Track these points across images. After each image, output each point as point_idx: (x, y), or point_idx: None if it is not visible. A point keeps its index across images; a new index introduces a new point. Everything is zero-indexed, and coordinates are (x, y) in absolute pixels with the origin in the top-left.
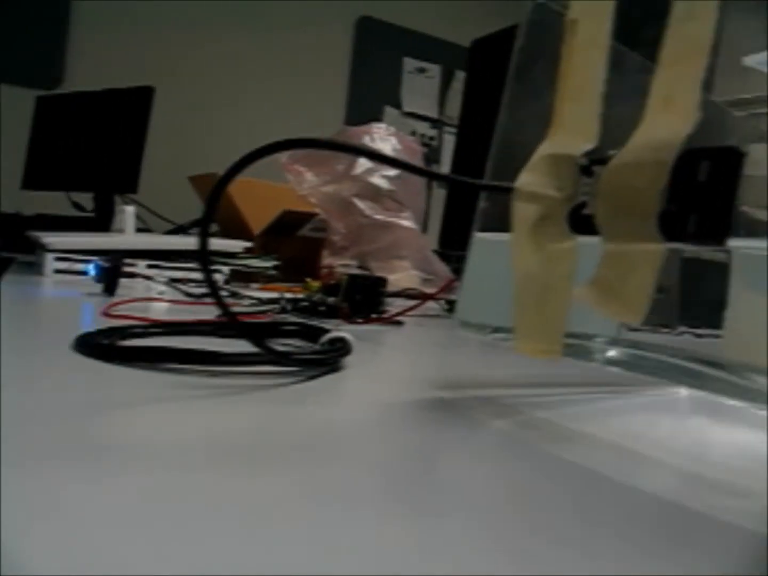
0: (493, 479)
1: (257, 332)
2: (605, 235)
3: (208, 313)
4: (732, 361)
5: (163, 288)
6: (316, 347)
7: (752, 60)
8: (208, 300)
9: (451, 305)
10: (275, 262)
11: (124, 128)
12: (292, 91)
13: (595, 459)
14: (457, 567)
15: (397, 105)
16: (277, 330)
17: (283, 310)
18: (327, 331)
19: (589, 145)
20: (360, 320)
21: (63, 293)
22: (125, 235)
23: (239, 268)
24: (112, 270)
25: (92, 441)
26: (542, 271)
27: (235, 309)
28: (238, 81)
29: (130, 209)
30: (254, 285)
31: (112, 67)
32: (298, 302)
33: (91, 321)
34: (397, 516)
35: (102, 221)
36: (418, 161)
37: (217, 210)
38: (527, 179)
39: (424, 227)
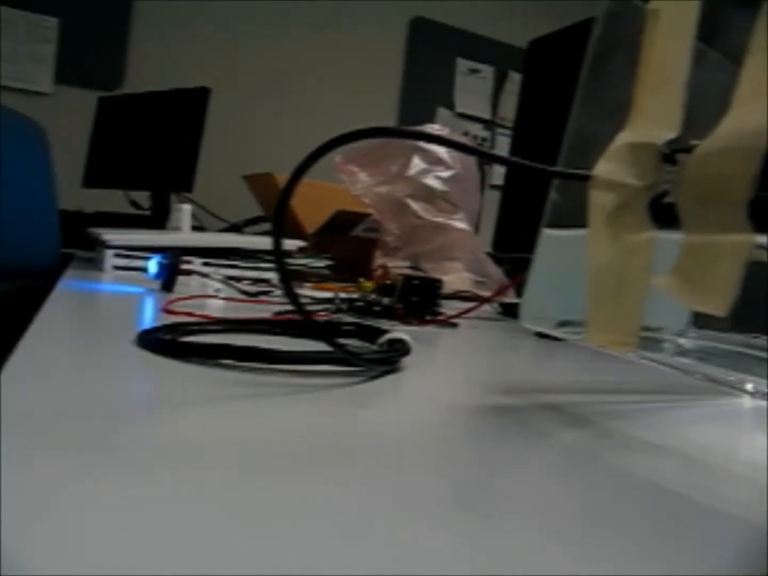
0: (567, 494)
1: (325, 331)
2: (688, 224)
3: (264, 311)
4: None
5: (219, 285)
6: (375, 347)
7: None
8: (264, 298)
9: (504, 308)
10: (328, 262)
11: (180, 128)
12: (346, 92)
13: (674, 474)
14: None
15: (450, 106)
16: (338, 329)
17: (339, 310)
18: (384, 331)
19: (671, 134)
20: (415, 321)
21: (123, 289)
22: (182, 233)
23: (293, 267)
24: (171, 267)
25: (156, 439)
26: (618, 262)
27: (291, 308)
28: (292, 82)
29: (186, 207)
30: (307, 284)
31: (170, 69)
32: (353, 302)
33: (152, 317)
34: (461, 526)
35: (158, 219)
36: (472, 162)
37: (270, 209)
38: (606, 167)
39: (477, 229)
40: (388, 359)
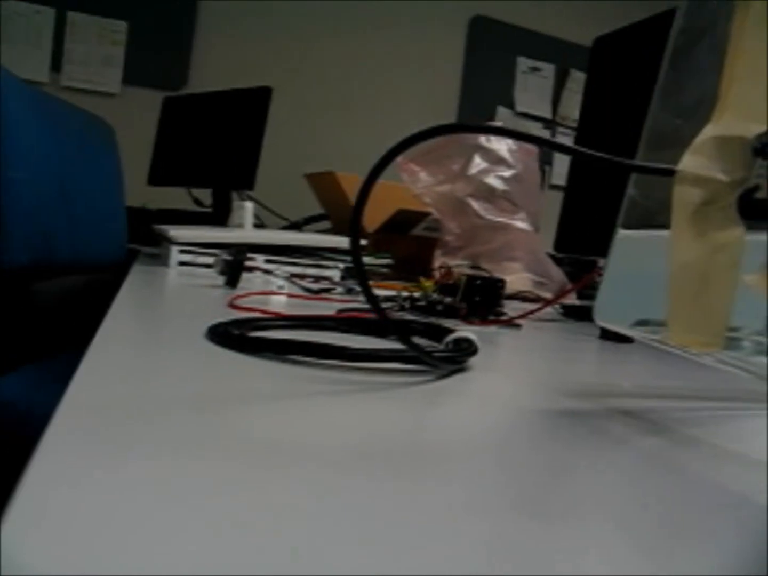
0: (648, 503)
1: (399, 329)
2: None
3: (325, 308)
4: None
5: (282, 282)
6: (442, 347)
7: None
8: (325, 296)
9: (566, 309)
10: (389, 261)
11: (242, 127)
12: (405, 91)
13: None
14: None
15: (510, 105)
16: (408, 328)
17: (401, 308)
18: (450, 330)
19: (762, 127)
20: (477, 321)
21: (188, 284)
22: (245, 230)
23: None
24: (236, 263)
25: (231, 433)
26: (703, 260)
27: (354, 306)
28: (352, 81)
29: (249, 205)
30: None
31: (232, 69)
32: (415, 301)
33: (219, 312)
34: (532, 530)
35: (219, 216)
36: (533, 161)
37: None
38: (692, 162)
39: (537, 229)
40: (457, 358)
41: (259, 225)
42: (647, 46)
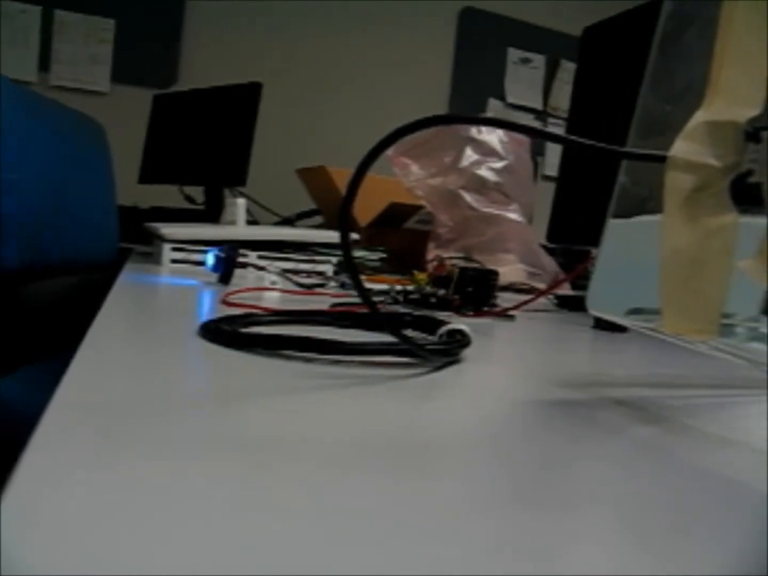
0: (644, 493)
1: (390, 322)
2: None
3: (319, 303)
4: None
5: (275, 278)
6: (435, 339)
7: None
8: (319, 290)
9: (560, 300)
10: (382, 254)
11: (233, 123)
12: (396, 84)
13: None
14: None
15: (501, 97)
16: (400, 320)
17: (395, 302)
18: (443, 322)
19: (754, 111)
20: (471, 313)
21: (181, 282)
22: (237, 227)
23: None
24: (229, 260)
25: (225, 430)
26: (696, 246)
27: (347, 300)
28: (342, 75)
29: (241, 202)
30: (361, 276)
31: (222, 65)
32: (408, 294)
33: (212, 309)
34: (540, 525)
35: (212, 213)
36: (525, 152)
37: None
38: (683, 147)
39: (530, 220)
40: (450, 350)
41: (252, 221)
42: (636, 35)
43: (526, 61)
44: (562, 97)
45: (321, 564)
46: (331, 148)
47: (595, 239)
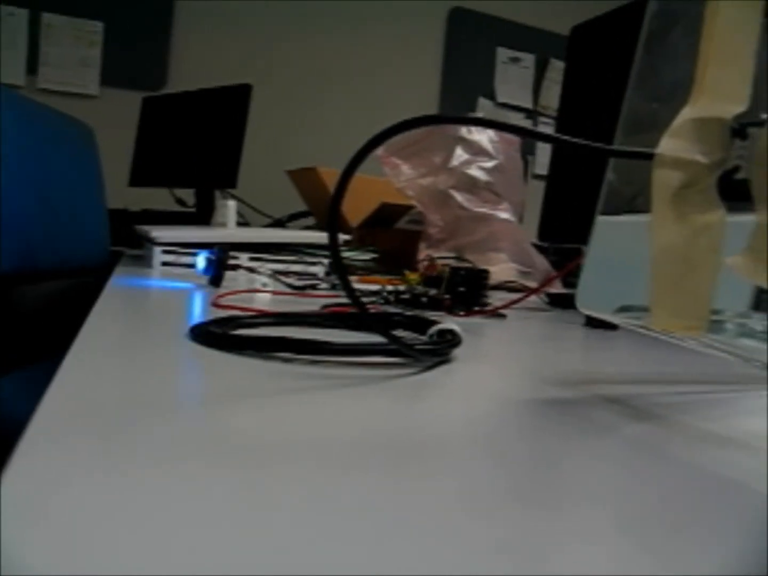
0: (636, 491)
1: (379, 323)
2: (762, 201)
3: (311, 304)
4: None
5: (266, 280)
6: (426, 338)
7: None
8: (310, 292)
9: (551, 298)
10: (373, 255)
11: (223, 125)
12: (386, 85)
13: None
14: None
15: (491, 96)
16: (389, 321)
17: (386, 302)
18: (433, 322)
19: (740, 108)
20: (462, 312)
21: (171, 284)
22: (228, 229)
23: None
24: (219, 262)
25: (216, 433)
26: (685, 243)
27: (338, 301)
28: (332, 76)
29: (231, 204)
30: (353, 277)
31: (211, 67)
32: (400, 294)
33: (202, 311)
34: (535, 523)
35: (203, 215)
36: (515, 152)
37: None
38: (670, 144)
39: (521, 219)
40: (440, 350)
41: (243, 223)
42: (624, 34)
43: (515, 60)
44: (552, 96)
45: (321, 564)
46: (321, 149)
47: (586, 237)
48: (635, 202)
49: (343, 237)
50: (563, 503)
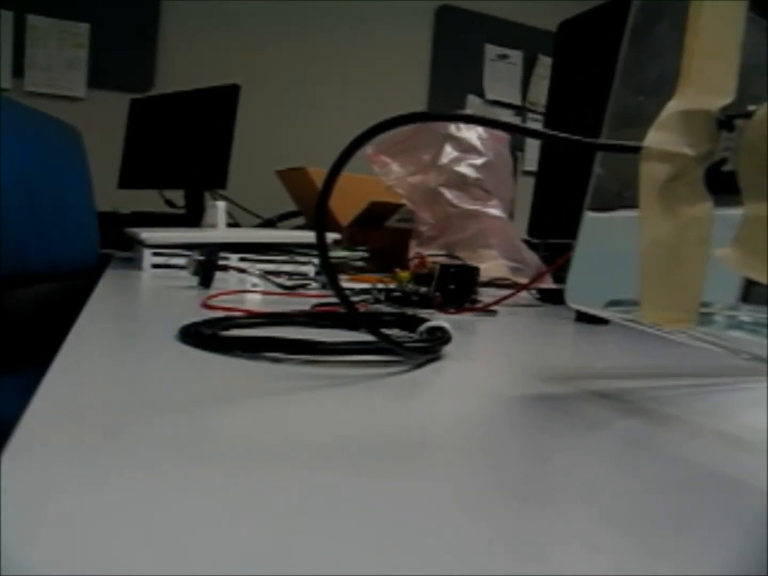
0: (629, 486)
1: (368, 322)
2: (750, 193)
3: (302, 304)
4: None
5: (256, 280)
6: (416, 336)
7: None
8: (301, 292)
9: (542, 294)
10: (364, 254)
11: (212, 126)
12: (374, 83)
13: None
14: None
15: (480, 93)
16: (379, 319)
17: (377, 301)
18: (423, 320)
19: (726, 100)
20: (453, 310)
21: (162, 286)
22: (218, 230)
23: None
24: (209, 263)
25: (207, 435)
26: (673, 236)
27: (329, 301)
28: (320, 75)
29: (221, 204)
30: (344, 276)
31: (199, 68)
32: (390, 292)
33: (192, 312)
34: (526, 521)
35: (193, 217)
36: (504, 148)
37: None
38: (657, 137)
39: (511, 216)
40: (430, 348)
41: (233, 224)
42: (610, 29)
43: (503, 57)
44: (541, 92)
45: (321, 564)
46: (310, 149)
47: (576, 232)
48: (623, 196)
49: (333, 236)
50: (559, 501)
